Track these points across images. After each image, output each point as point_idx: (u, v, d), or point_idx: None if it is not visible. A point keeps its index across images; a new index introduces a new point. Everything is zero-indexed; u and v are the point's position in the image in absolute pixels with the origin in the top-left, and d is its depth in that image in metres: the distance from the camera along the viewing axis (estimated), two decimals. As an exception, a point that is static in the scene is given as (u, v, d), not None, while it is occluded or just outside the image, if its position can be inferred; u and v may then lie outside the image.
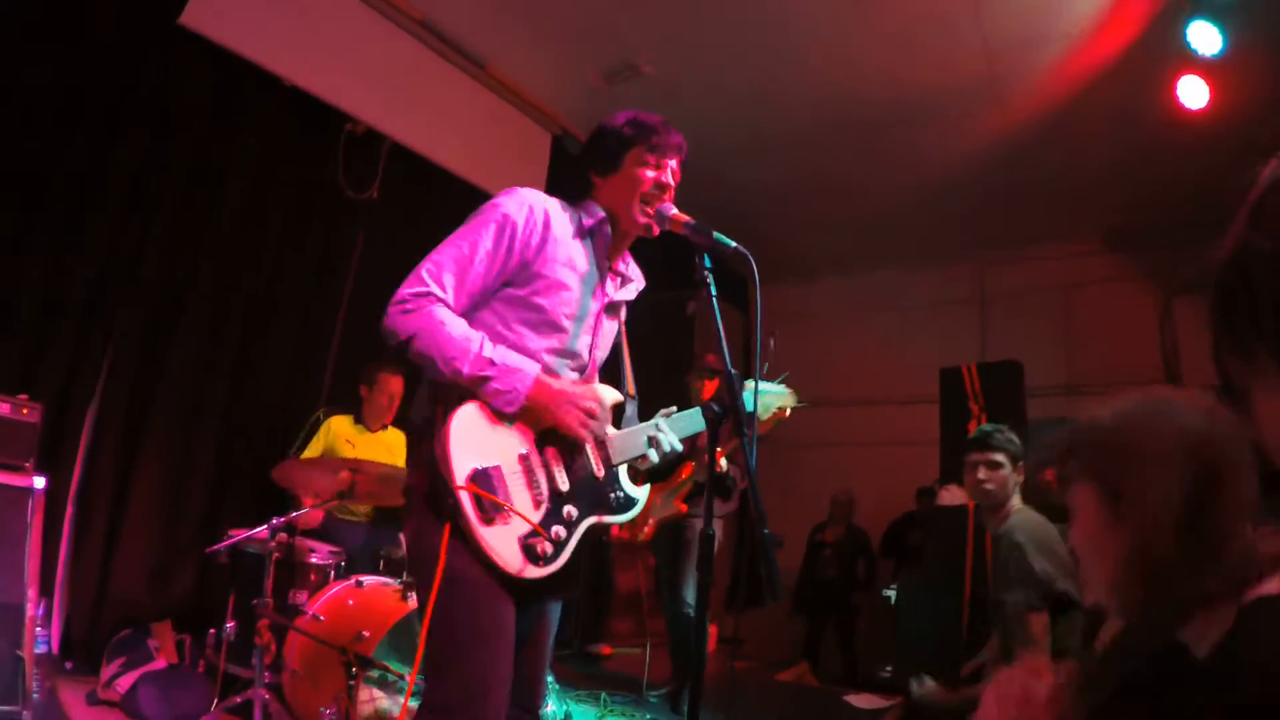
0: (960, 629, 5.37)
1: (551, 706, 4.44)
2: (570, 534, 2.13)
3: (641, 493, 2.34)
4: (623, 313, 2.54)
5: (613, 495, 2.27)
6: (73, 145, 4.60)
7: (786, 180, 8.06)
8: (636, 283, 2.54)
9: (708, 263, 2.14)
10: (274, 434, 5.44)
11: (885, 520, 8.57)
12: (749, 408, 2.20)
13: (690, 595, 5.60)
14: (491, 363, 2.05)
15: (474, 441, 2.05)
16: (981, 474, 3.72)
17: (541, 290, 2.21)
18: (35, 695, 3.36)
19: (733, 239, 2.13)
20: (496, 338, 2.15)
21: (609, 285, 2.41)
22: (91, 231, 4.69)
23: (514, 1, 5.94)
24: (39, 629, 3.54)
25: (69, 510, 4.63)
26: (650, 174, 2.33)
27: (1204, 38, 5.26)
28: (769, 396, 2.70)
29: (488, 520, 1.98)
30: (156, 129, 4.96)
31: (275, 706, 3.65)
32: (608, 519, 2.25)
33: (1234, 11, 5.15)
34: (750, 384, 2.28)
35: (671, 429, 2.34)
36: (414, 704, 3.73)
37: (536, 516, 2.07)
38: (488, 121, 6.65)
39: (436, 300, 2.08)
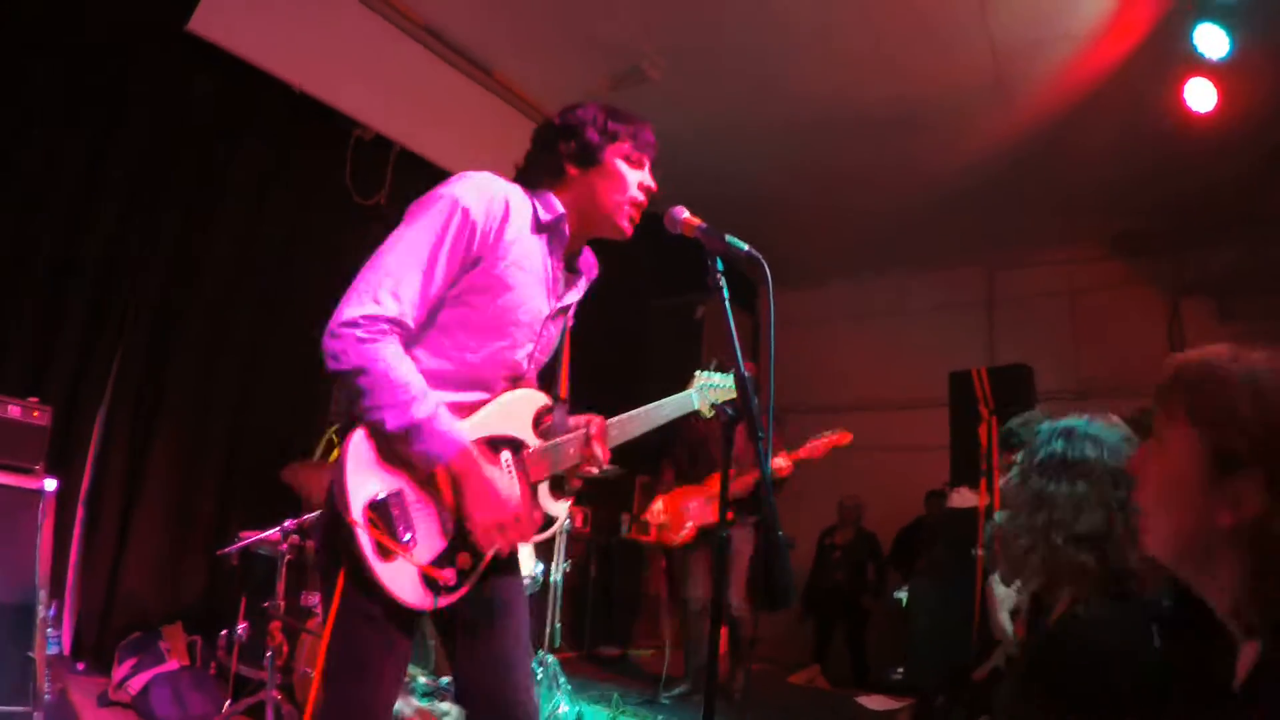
0: (971, 632, 5.36)
1: (565, 708, 4.45)
2: (478, 559, 2.01)
3: (560, 508, 2.22)
4: (570, 313, 2.37)
5: (530, 515, 2.11)
6: (79, 148, 4.63)
7: (793, 184, 8.06)
8: (587, 276, 2.37)
9: (720, 266, 2.07)
10: (283, 437, 5.47)
11: (895, 524, 8.56)
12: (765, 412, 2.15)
13: (736, 598, 5.67)
14: (416, 426, 1.86)
15: (376, 459, 1.90)
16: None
17: (487, 290, 2.06)
18: (47, 696, 3.37)
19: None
20: (435, 347, 2.03)
21: (561, 287, 2.26)
22: (99, 234, 4.72)
23: (521, 8, 5.95)
24: (50, 630, 3.56)
25: (79, 512, 4.66)
26: (635, 174, 2.25)
27: (1211, 41, 5.25)
28: (718, 389, 2.65)
29: (385, 556, 1.84)
30: (165, 133, 4.99)
31: (287, 708, 3.66)
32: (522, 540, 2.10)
33: (1241, 14, 5.15)
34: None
35: (670, 406, 2.32)
36: (424, 704, 3.76)
37: (439, 544, 1.94)
38: (495, 127, 6.65)
39: (395, 332, 1.91)
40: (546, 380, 2.34)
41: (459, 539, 1.97)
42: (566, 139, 2.25)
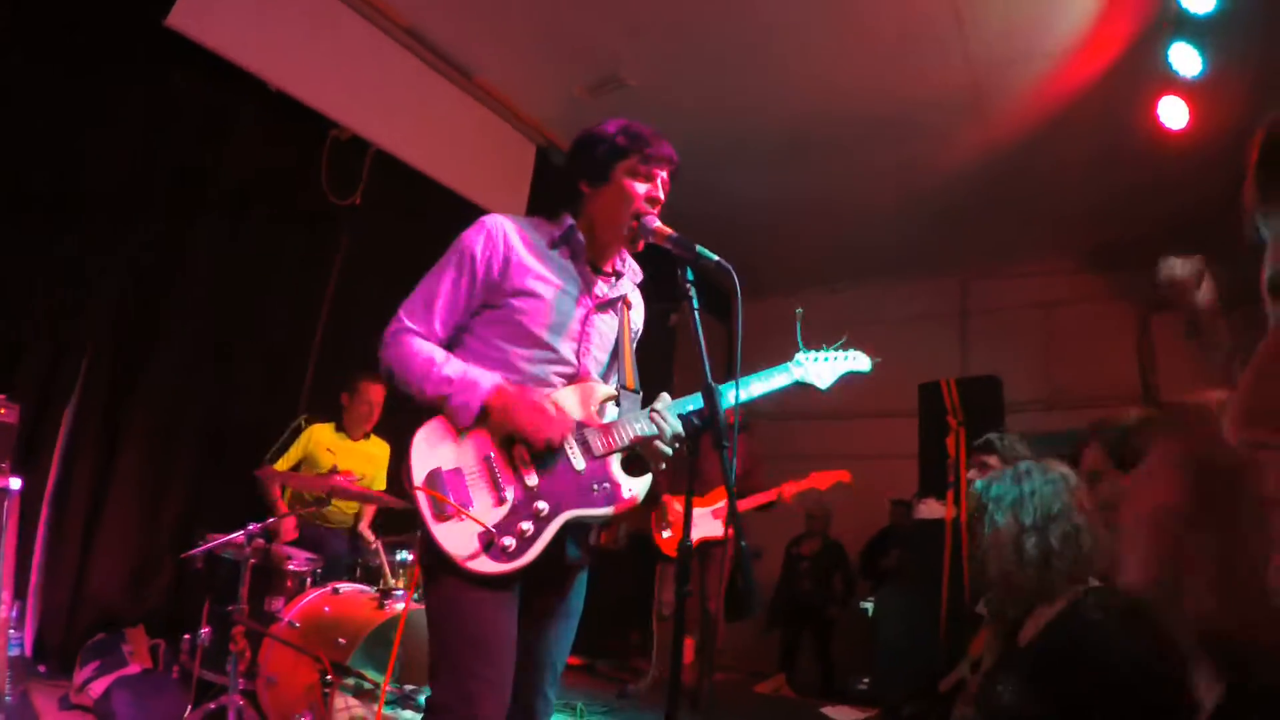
0: (937, 642, 5.38)
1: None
2: (540, 529, 2.12)
3: (638, 483, 2.30)
4: (623, 308, 2.53)
5: (596, 487, 2.23)
6: (53, 145, 4.58)
7: (769, 193, 8.09)
8: (630, 276, 2.54)
9: (690, 276, 2.13)
10: (253, 438, 5.41)
11: (862, 533, 8.58)
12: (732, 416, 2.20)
13: (713, 606, 5.71)
14: (449, 381, 2.15)
15: (436, 449, 2.16)
16: (972, 474, 3.76)
17: (515, 306, 2.26)
18: (8, 699, 3.33)
19: (715, 252, 2.12)
20: (480, 357, 2.25)
21: (599, 287, 2.41)
22: (71, 231, 4.66)
23: (501, 13, 5.94)
24: (12, 631, 3.51)
25: (44, 512, 4.60)
26: (641, 187, 2.31)
27: (1185, 60, 5.33)
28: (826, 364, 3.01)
29: (441, 517, 2.07)
30: (139, 129, 4.95)
31: (250, 714, 3.62)
32: (590, 512, 2.21)
33: (1215, 34, 5.22)
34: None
35: (672, 410, 2.32)
36: (389, 712, 3.73)
37: (495, 515, 2.10)
38: (473, 131, 6.65)
39: (407, 332, 2.24)
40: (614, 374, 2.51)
41: (520, 508, 2.13)
42: (578, 157, 2.40)
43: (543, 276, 2.29)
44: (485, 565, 2.05)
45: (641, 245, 2.37)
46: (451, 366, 2.18)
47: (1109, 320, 8.47)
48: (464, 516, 2.07)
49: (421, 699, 3.89)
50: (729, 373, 2.21)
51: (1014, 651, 2.26)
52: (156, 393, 5.07)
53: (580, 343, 2.36)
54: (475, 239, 2.28)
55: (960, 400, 6.32)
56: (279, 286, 5.71)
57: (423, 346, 2.21)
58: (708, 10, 5.73)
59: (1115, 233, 8.11)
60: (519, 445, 2.17)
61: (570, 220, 2.36)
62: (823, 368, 3.05)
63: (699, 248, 2.13)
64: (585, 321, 2.36)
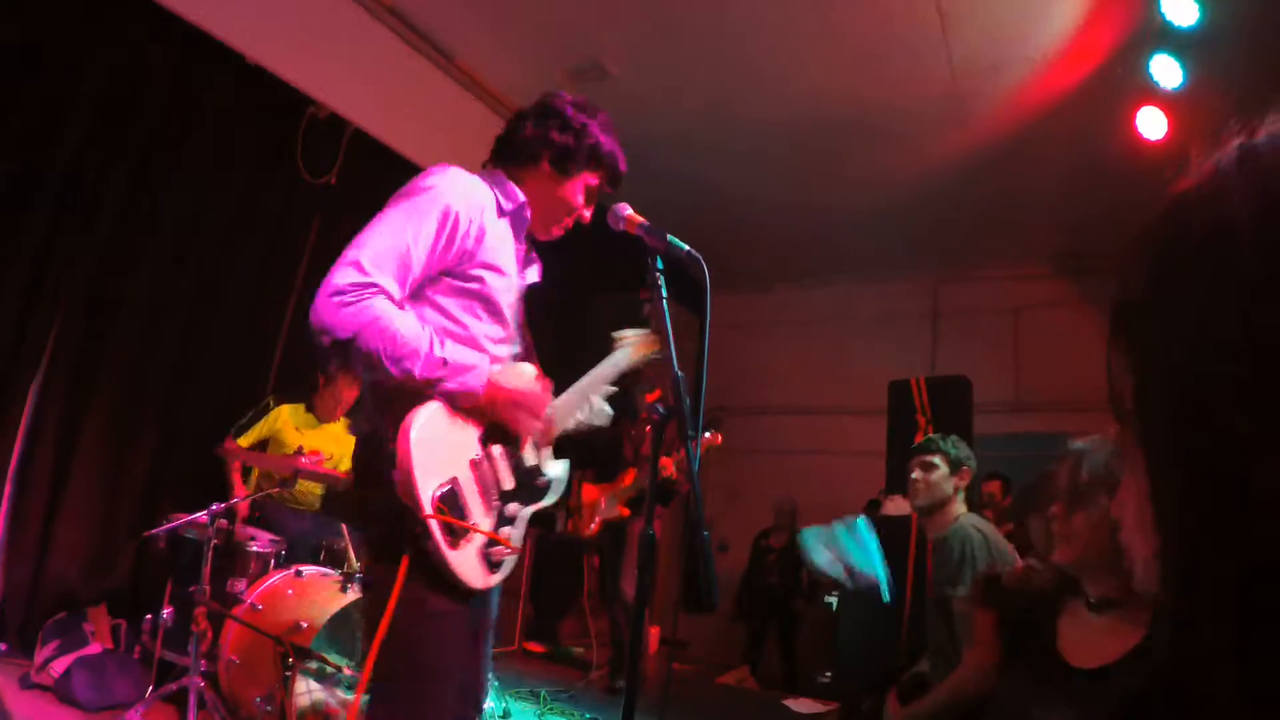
0: (900, 637, 5.43)
1: (491, 704, 4.44)
2: (515, 532, 2.11)
3: (560, 468, 2.30)
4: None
5: (540, 481, 2.22)
6: (21, 113, 4.50)
7: (745, 189, 8.10)
8: (537, 264, 2.45)
9: (660, 265, 2.12)
10: (219, 418, 5.36)
11: (831, 528, 8.63)
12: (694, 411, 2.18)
13: (629, 589, 5.82)
14: (444, 363, 1.93)
15: (430, 455, 1.92)
16: (915, 474, 3.72)
17: (484, 278, 2.12)
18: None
19: (689, 244, 2.12)
20: (443, 331, 2.04)
21: (523, 268, 2.34)
22: (37, 205, 4.58)
23: (485, -5, 5.92)
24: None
25: (7, 489, 4.54)
26: (586, 209, 2.33)
27: (1165, 71, 5.38)
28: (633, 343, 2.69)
29: (455, 544, 1.91)
30: (110, 100, 4.87)
31: (210, 695, 3.60)
32: (538, 506, 2.21)
33: (1196, 48, 5.27)
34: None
35: (595, 386, 2.35)
36: (349, 696, 3.72)
37: (490, 523, 2.03)
38: (452, 113, 6.61)
39: (380, 291, 1.90)
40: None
41: (502, 513, 2.08)
42: (563, 133, 2.27)
43: (501, 248, 2.18)
44: (482, 579, 1.99)
45: (559, 233, 2.36)
46: (440, 346, 1.95)
47: (1078, 325, 8.54)
48: (473, 535, 1.96)
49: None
50: (699, 362, 2.20)
51: (1064, 671, 1.98)
52: (122, 371, 5.01)
53: (518, 321, 2.31)
54: (460, 200, 2.07)
55: (929, 399, 6.37)
56: (249, 264, 5.65)
57: (402, 315, 1.93)
58: (692, 4, 5.73)
59: (1087, 240, 8.19)
60: (496, 442, 2.10)
61: (521, 198, 2.25)
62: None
63: (670, 237, 2.12)
64: (520, 299, 2.31)
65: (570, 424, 2.31)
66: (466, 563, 1.93)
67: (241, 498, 4.22)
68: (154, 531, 3.88)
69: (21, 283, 4.53)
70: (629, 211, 2.21)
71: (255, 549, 4.11)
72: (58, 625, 4.37)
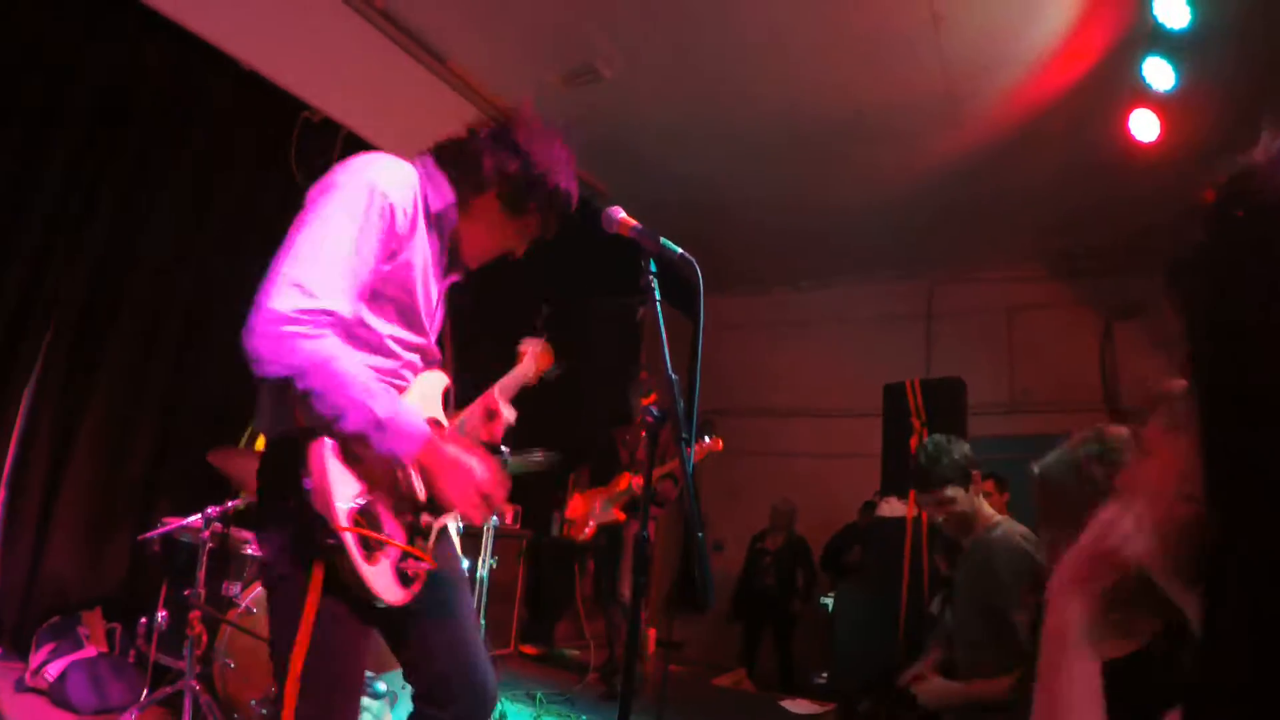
0: (896, 638, 5.44)
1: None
2: (430, 545, 2.01)
3: None
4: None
5: None
6: (18, 117, 4.49)
7: (741, 191, 8.12)
8: (457, 265, 2.30)
9: (653, 267, 2.10)
10: (214, 422, 5.36)
11: (827, 530, 8.66)
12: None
13: (626, 592, 5.83)
14: (379, 425, 1.75)
15: (345, 462, 1.81)
16: (939, 516, 3.59)
17: (403, 277, 1.99)
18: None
19: (683, 247, 2.11)
20: (351, 338, 1.88)
21: (442, 270, 2.21)
22: (33, 209, 4.57)
23: (479, -2, 5.92)
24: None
25: (1, 493, 4.53)
26: (518, 250, 2.27)
27: (1158, 74, 5.41)
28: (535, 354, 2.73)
29: (372, 559, 1.80)
30: (104, 106, 4.86)
31: (206, 698, 3.60)
32: (449, 518, 2.09)
33: (1189, 50, 5.29)
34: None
35: (505, 392, 2.31)
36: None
37: (402, 536, 1.93)
38: (446, 117, 6.57)
39: (333, 323, 1.76)
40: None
41: (415, 525, 1.96)
42: (523, 170, 2.13)
43: (423, 246, 2.05)
44: (394, 594, 1.88)
45: (477, 265, 2.27)
46: (383, 402, 1.76)
47: (1073, 326, 8.60)
48: (388, 548, 1.85)
49: (379, 685, 3.90)
50: (692, 365, 2.18)
51: None
52: (115, 375, 4.99)
53: (434, 324, 2.19)
54: (399, 194, 1.95)
55: (924, 401, 6.39)
56: (243, 270, 5.62)
57: (350, 359, 1.79)
58: (685, 6, 5.73)
59: (1081, 240, 8.22)
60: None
61: (451, 199, 2.12)
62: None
63: (663, 239, 2.10)
64: (439, 302, 2.20)
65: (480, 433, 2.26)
66: (380, 577, 1.82)
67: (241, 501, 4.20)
68: (149, 535, 3.89)
69: (17, 285, 4.52)
70: (622, 215, 2.19)
71: (250, 552, 4.10)
72: (52, 629, 4.35)
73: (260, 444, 4.75)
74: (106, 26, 4.81)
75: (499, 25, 6.17)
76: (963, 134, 6.79)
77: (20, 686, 4.08)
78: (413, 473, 1.92)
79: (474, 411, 2.25)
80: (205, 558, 3.77)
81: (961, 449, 3.50)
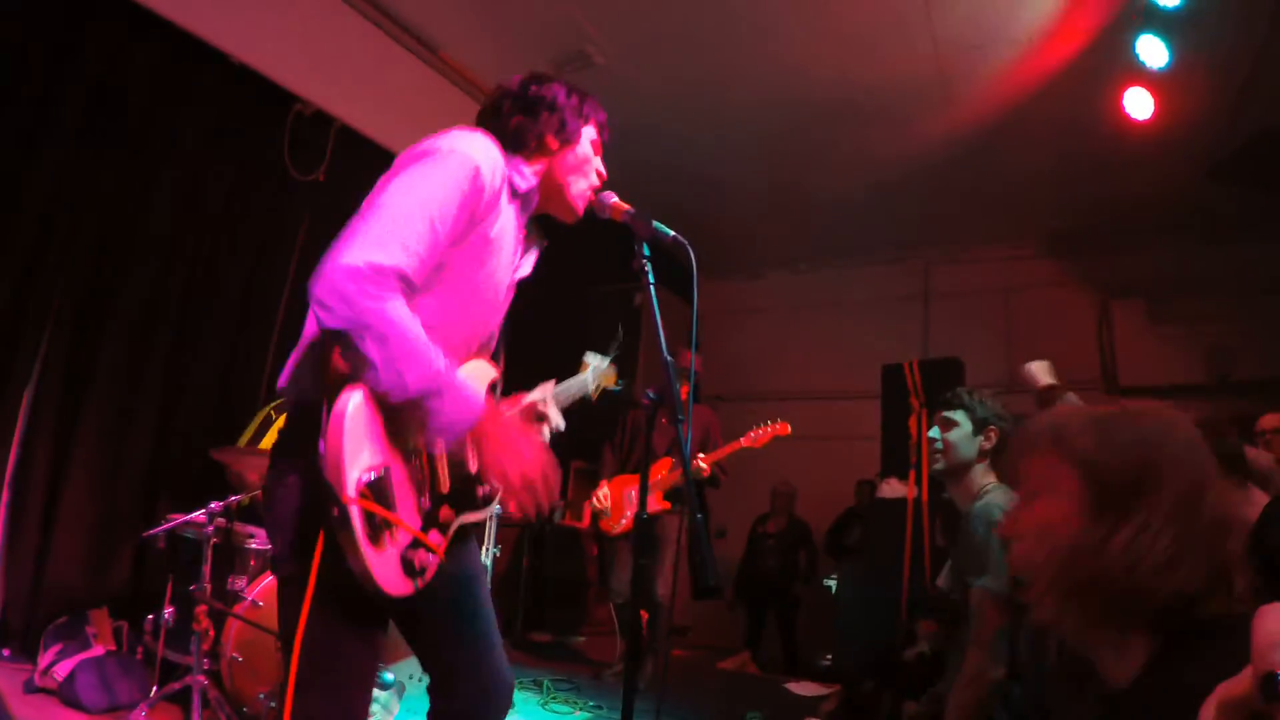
0: (898, 619, 5.46)
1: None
2: (445, 540, 1.87)
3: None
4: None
5: (481, 490, 2.01)
6: (7, 113, 4.48)
7: (735, 175, 8.12)
8: (534, 251, 2.22)
9: (647, 251, 2.08)
10: (213, 417, 5.38)
11: (828, 512, 8.67)
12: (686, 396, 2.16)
13: (664, 591, 5.71)
14: (439, 390, 1.67)
15: (367, 433, 1.66)
16: (934, 432, 3.35)
17: (476, 257, 1.90)
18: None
19: (678, 231, 2.08)
20: (422, 309, 1.77)
21: (519, 259, 2.14)
22: (26, 207, 4.57)
23: (469, -12, 5.90)
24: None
25: (4, 495, 4.53)
26: (596, 160, 2.19)
27: (1152, 51, 5.40)
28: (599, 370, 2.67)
29: (377, 542, 1.64)
30: (95, 101, 4.85)
31: (214, 694, 3.61)
32: (475, 517, 2.00)
33: (1182, 28, 5.29)
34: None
35: (557, 399, 2.26)
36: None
37: (418, 523, 1.78)
38: (439, 107, 6.60)
39: (403, 289, 1.67)
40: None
41: (433, 515, 1.83)
42: (550, 111, 2.11)
43: (505, 233, 1.97)
44: (399, 586, 1.71)
45: (581, 214, 2.21)
46: (445, 363, 1.69)
47: (1069, 305, 8.61)
48: (397, 533, 1.69)
49: (387, 675, 3.92)
50: (689, 345, 2.16)
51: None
52: (116, 372, 4.99)
53: (501, 314, 2.12)
54: (485, 161, 1.87)
55: (922, 382, 6.39)
56: (238, 265, 5.63)
57: (414, 323, 1.67)
58: (675, -10, 5.72)
59: (1077, 219, 8.23)
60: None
61: (535, 179, 2.09)
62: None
63: (656, 223, 2.08)
64: (509, 291, 2.12)
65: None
66: (384, 565, 1.66)
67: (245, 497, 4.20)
68: (153, 532, 3.90)
69: (12, 285, 4.52)
70: (614, 199, 2.18)
71: (255, 546, 4.12)
72: (60, 629, 4.37)
73: (268, 441, 4.78)
74: (97, 23, 4.79)
75: (490, 13, 6.17)
76: (956, 114, 6.78)
77: (29, 687, 4.09)
78: (441, 458, 1.86)
79: (519, 408, 2.18)
80: (210, 553, 3.78)
81: (998, 406, 3.32)
